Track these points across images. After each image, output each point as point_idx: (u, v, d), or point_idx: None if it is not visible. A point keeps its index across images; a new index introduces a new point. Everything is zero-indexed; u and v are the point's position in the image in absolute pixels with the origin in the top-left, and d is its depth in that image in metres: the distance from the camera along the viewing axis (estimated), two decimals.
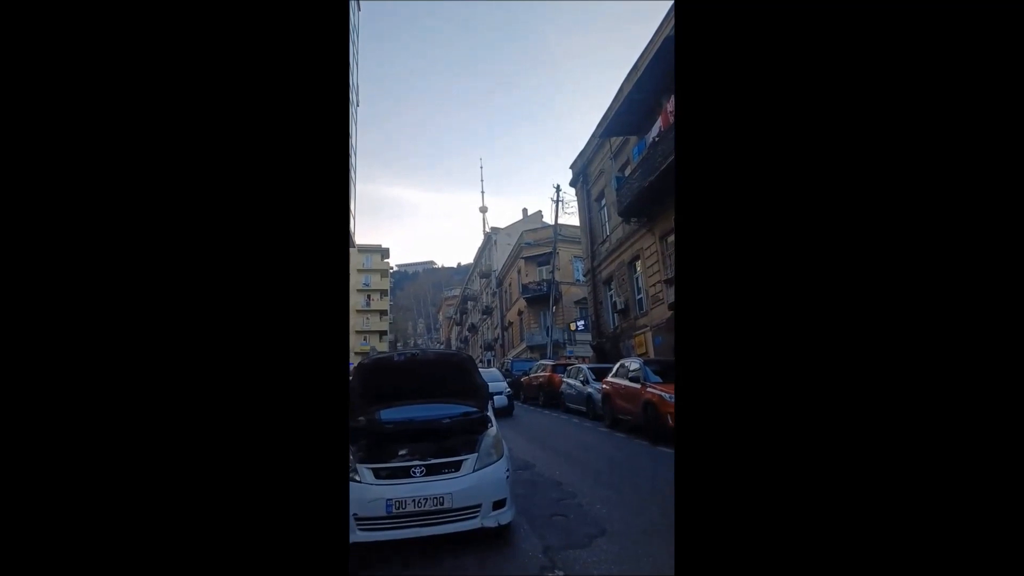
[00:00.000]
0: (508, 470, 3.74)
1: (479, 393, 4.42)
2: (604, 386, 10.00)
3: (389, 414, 4.26)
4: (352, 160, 20.29)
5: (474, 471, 3.54)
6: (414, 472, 3.47)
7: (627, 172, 15.13)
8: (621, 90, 15.49)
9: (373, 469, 3.46)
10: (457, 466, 3.55)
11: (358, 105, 23.95)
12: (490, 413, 4.26)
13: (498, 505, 3.54)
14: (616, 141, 16.57)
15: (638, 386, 8.41)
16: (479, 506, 3.47)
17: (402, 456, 3.61)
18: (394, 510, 3.31)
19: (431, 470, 3.50)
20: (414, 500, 3.35)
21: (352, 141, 20.23)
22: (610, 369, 10.89)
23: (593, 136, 18.69)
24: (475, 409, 4.28)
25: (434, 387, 4.48)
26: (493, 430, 3.96)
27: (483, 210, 72.65)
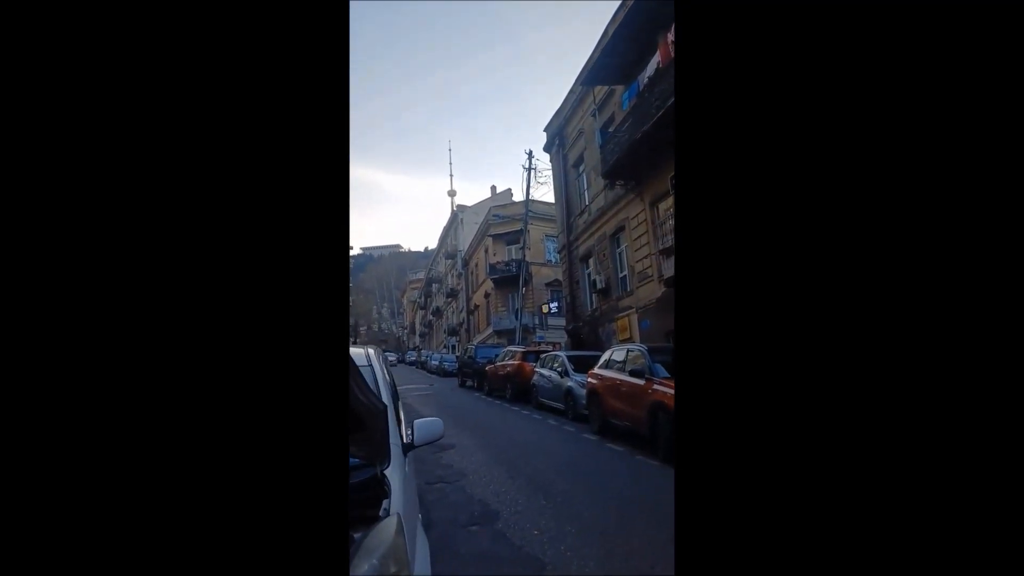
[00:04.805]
0: None
1: (366, 422, 1.55)
2: (590, 380, 7.87)
3: None
4: None
5: None
6: None
7: (613, 128, 12.95)
8: (606, 32, 13.19)
9: None
10: None
11: None
12: (393, 468, 1.85)
13: None
14: (600, 92, 14.30)
15: (640, 382, 6.28)
16: None
17: None
18: None
19: None
20: None
21: None
22: (593, 358, 8.85)
23: (571, 92, 16.37)
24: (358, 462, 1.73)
25: None
26: (391, 523, 1.45)
27: (451, 193, 69.64)
